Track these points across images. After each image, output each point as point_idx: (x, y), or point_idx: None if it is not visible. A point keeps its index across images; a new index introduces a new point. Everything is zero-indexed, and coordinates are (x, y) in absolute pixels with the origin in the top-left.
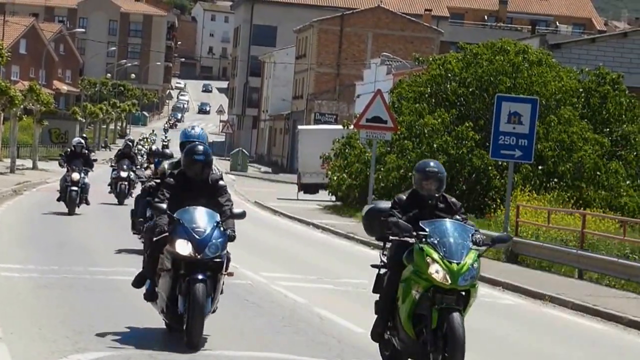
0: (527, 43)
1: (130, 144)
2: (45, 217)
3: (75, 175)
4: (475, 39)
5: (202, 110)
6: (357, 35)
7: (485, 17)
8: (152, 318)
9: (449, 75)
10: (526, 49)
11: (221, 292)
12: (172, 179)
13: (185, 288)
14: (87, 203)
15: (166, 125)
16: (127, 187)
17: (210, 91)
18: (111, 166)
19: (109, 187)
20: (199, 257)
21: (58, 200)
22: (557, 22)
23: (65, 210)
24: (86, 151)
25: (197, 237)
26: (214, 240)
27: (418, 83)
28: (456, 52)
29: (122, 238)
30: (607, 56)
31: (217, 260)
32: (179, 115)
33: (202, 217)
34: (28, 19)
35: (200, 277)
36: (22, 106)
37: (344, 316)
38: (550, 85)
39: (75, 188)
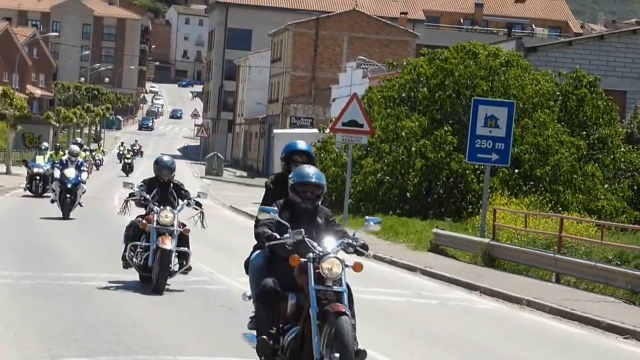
0: (501, 46)
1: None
2: (19, 222)
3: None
4: (451, 42)
5: (144, 125)
6: (333, 38)
7: (461, 20)
8: (126, 324)
9: (421, 79)
10: (497, 52)
11: None
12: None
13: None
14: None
15: (123, 149)
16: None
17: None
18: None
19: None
20: None
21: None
22: (534, 25)
23: (40, 213)
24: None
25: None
26: None
27: (389, 88)
28: (424, 57)
29: (96, 243)
30: (584, 59)
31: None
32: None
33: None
34: (1, 23)
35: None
36: None
37: None
38: (527, 89)
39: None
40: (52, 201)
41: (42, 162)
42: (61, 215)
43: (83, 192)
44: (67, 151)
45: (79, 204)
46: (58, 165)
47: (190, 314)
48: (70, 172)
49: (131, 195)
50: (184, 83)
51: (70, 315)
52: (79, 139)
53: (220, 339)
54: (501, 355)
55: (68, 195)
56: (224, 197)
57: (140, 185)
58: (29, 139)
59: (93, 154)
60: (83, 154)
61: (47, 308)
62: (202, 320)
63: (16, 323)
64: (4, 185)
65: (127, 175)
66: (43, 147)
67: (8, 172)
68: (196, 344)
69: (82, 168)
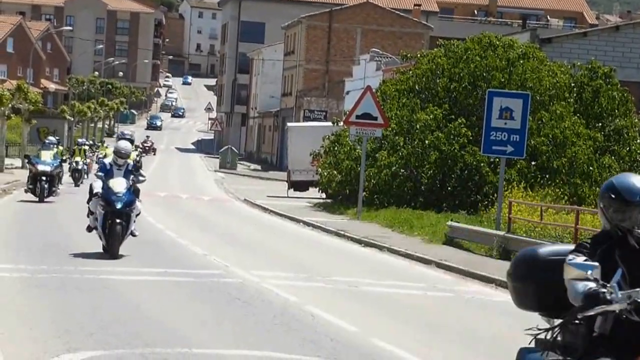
0: (516, 37)
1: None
2: (35, 216)
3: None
4: (465, 34)
5: (152, 125)
6: (346, 31)
7: (475, 12)
8: (142, 317)
9: (438, 71)
10: (511, 43)
11: None
12: None
13: None
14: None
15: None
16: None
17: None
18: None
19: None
20: None
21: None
22: (548, 16)
23: (51, 207)
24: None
25: None
26: None
27: (403, 80)
28: (440, 49)
29: None
30: (599, 50)
31: None
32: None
33: None
34: (15, 18)
35: None
36: (10, 105)
37: (336, 314)
38: (544, 81)
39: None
40: (90, 229)
41: (48, 159)
42: (102, 249)
43: (138, 215)
44: (110, 150)
45: (132, 233)
46: (99, 172)
47: (206, 307)
48: (120, 184)
49: (593, 299)
50: (187, 80)
51: (86, 309)
52: (126, 132)
53: (236, 331)
54: (517, 348)
55: (117, 221)
56: (238, 191)
57: (587, 253)
58: (44, 133)
59: (96, 151)
60: (134, 154)
61: (63, 302)
62: (217, 314)
63: (32, 316)
64: (20, 179)
65: None
66: (48, 141)
67: (23, 167)
68: (212, 337)
69: (140, 177)
